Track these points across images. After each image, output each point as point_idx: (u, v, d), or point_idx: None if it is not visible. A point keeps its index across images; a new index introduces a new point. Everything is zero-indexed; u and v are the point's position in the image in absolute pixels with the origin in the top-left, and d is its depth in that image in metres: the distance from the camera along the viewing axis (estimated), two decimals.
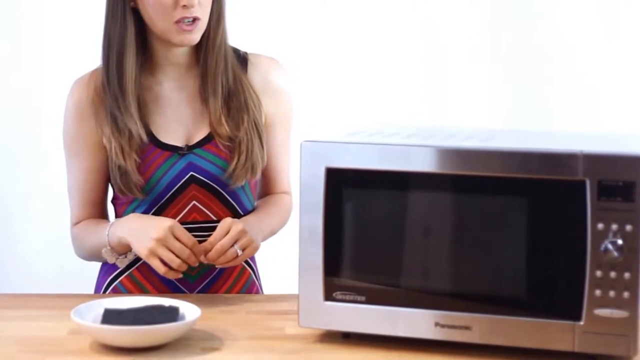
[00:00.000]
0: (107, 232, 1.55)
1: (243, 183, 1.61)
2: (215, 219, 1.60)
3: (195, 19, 1.54)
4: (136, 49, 1.57)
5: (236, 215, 1.62)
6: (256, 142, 1.60)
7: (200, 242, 1.53)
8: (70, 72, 1.72)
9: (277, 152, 1.68)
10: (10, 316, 1.45)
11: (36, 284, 2.00)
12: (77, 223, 1.65)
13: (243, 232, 1.50)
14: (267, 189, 1.72)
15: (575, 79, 2.56)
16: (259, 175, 1.63)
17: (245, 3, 1.69)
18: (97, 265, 1.70)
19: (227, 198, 1.61)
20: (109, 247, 1.56)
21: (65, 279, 2.12)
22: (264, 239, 1.62)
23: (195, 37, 1.56)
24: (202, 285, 1.61)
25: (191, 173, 1.58)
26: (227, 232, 1.49)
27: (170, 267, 1.47)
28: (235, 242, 1.50)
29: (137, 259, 1.60)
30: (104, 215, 1.67)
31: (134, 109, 1.56)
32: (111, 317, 1.31)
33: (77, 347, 1.30)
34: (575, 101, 2.56)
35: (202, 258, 1.49)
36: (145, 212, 1.59)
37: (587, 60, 2.56)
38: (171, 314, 1.32)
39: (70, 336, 1.34)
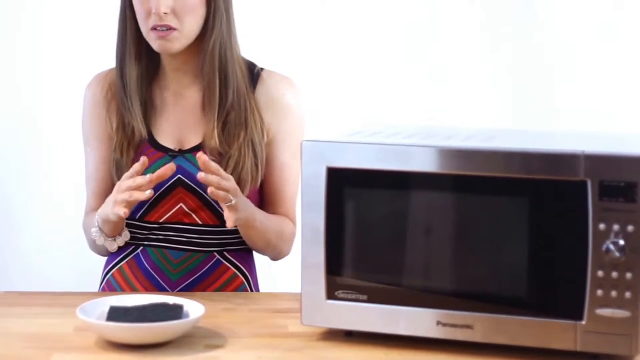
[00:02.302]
0: (96, 216, 1.59)
1: None
2: (201, 223, 1.62)
3: (169, 29, 1.56)
4: (138, 53, 1.63)
5: (223, 223, 1.62)
6: (249, 160, 1.60)
7: (184, 242, 1.60)
8: (72, 74, 1.76)
9: (280, 173, 1.66)
10: (17, 314, 1.46)
11: (39, 283, 2.02)
12: (89, 213, 1.69)
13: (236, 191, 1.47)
14: (268, 210, 1.68)
15: (577, 79, 2.56)
16: (246, 193, 1.60)
17: (244, 4, 1.70)
18: (100, 263, 1.73)
19: (213, 205, 1.62)
20: (97, 228, 1.59)
21: (68, 279, 2.14)
22: (255, 231, 1.59)
23: (172, 46, 1.58)
24: (183, 285, 1.63)
25: (179, 176, 1.61)
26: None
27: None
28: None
29: (128, 253, 1.65)
30: None
31: (137, 108, 1.62)
32: (116, 314, 1.33)
33: (82, 343, 1.31)
34: (578, 101, 2.55)
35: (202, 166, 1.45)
36: (136, 209, 1.63)
37: (589, 59, 2.56)
38: (176, 312, 1.33)
39: (76, 333, 1.36)
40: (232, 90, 1.61)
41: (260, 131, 1.63)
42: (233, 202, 1.46)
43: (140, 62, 1.63)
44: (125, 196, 1.45)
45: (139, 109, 1.62)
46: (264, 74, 1.67)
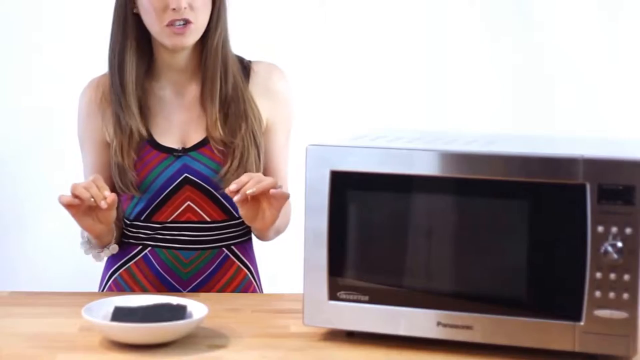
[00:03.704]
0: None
1: None
2: (209, 220, 1.64)
3: (187, 22, 1.58)
4: (137, 52, 1.64)
5: (231, 218, 1.66)
6: (253, 151, 1.63)
7: (193, 241, 1.62)
8: (81, 75, 1.77)
9: (277, 157, 1.70)
10: (22, 313, 1.48)
11: (44, 283, 2.03)
12: None
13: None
14: None
15: (576, 82, 2.57)
16: None
17: (244, 5, 1.72)
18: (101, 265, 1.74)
19: (221, 200, 1.64)
20: (85, 239, 1.61)
21: (74, 278, 2.15)
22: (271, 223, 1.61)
23: (187, 40, 1.60)
24: (195, 283, 1.65)
25: (185, 174, 1.63)
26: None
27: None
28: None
29: (135, 253, 1.66)
30: None
31: (134, 107, 1.63)
32: (121, 314, 1.34)
33: (87, 343, 1.32)
34: (577, 104, 2.56)
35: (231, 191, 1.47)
36: (142, 210, 1.65)
37: (589, 62, 2.57)
38: (179, 312, 1.35)
39: (81, 333, 1.37)
40: (230, 83, 1.65)
41: (259, 122, 1.66)
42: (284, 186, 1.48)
43: (140, 60, 1.64)
44: (83, 192, 1.45)
45: (136, 107, 1.63)
46: (253, 66, 1.71)
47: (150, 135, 1.64)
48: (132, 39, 1.63)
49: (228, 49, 1.67)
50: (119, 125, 1.63)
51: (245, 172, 1.61)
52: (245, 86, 1.67)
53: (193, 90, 1.68)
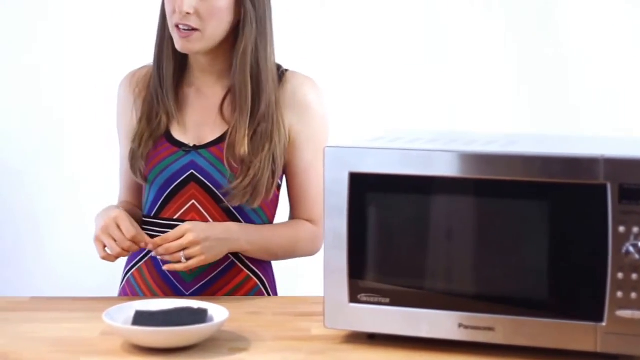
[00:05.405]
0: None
1: (237, 204, 1.62)
2: (212, 221, 1.63)
3: (192, 29, 1.58)
4: (173, 48, 1.64)
5: (235, 221, 1.64)
6: (267, 173, 1.60)
7: None
8: (99, 83, 1.78)
9: (305, 174, 1.66)
10: (43, 318, 1.48)
11: (63, 288, 2.04)
12: (119, 203, 1.75)
13: (194, 243, 1.54)
14: (292, 212, 1.71)
15: (596, 81, 2.56)
16: (256, 205, 1.62)
17: None
18: (121, 268, 1.75)
19: (225, 204, 1.62)
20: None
21: (92, 283, 2.16)
22: (249, 251, 1.63)
23: (193, 46, 1.60)
24: (198, 285, 1.64)
25: (191, 171, 1.63)
26: (181, 237, 1.54)
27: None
28: (184, 249, 1.55)
29: (146, 253, 1.67)
30: (139, 201, 1.75)
31: (172, 101, 1.65)
32: (142, 318, 1.34)
33: (108, 347, 1.33)
34: (595, 103, 2.55)
35: (152, 249, 1.56)
36: (152, 205, 1.66)
37: (606, 61, 2.56)
38: (200, 316, 1.35)
39: (102, 337, 1.37)
40: (265, 102, 1.61)
41: (283, 145, 1.63)
42: (183, 260, 1.55)
43: (175, 58, 1.66)
44: (110, 244, 1.54)
45: (173, 102, 1.65)
46: (287, 75, 1.67)
47: (167, 128, 1.66)
48: (168, 36, 1.64)
49: (262, 63, 1.61)
50: (149, 115, 1.65)
51: (255, 189, 1.60)
52: (278, 106, 1.63)
53: (216, 93, 1.67)
